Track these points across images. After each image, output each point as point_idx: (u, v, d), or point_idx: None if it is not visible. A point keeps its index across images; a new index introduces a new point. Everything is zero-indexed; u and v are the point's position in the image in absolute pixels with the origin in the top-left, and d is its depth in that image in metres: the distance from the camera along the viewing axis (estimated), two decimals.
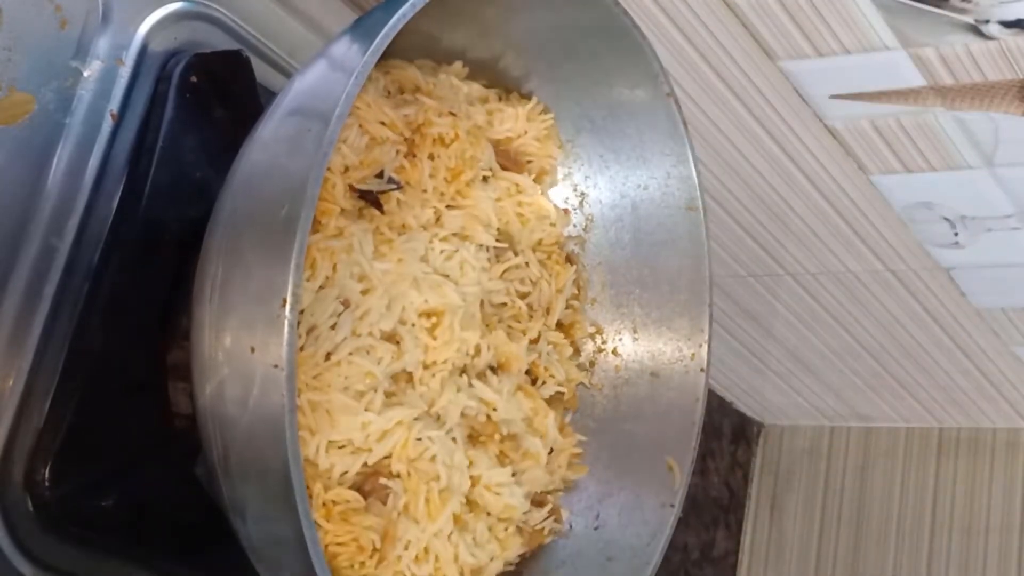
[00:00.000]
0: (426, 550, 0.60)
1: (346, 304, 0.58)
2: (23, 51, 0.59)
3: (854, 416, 1.58)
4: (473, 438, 0.65)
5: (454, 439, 0.63)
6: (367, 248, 0.59)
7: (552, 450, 0.69)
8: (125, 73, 0.64)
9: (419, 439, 0.60)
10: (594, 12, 0.66)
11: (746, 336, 1.36)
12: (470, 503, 0.64)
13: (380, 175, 0.61)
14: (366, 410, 0.58)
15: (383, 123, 0.62)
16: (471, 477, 0.63)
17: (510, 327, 0.69)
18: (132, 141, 0.63)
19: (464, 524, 0.63)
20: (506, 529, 0.65)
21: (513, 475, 0.66)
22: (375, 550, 0.58)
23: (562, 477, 0.71)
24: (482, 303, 0.67)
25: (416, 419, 0.60)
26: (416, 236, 0.62)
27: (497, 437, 0.65)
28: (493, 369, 0.66)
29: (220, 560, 0.63)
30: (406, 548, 0.59)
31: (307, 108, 0.55)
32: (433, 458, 0.61)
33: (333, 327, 0.58)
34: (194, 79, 0.65)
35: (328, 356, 0.58)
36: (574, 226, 0.76)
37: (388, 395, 0.60)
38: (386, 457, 0.59)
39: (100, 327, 0.60)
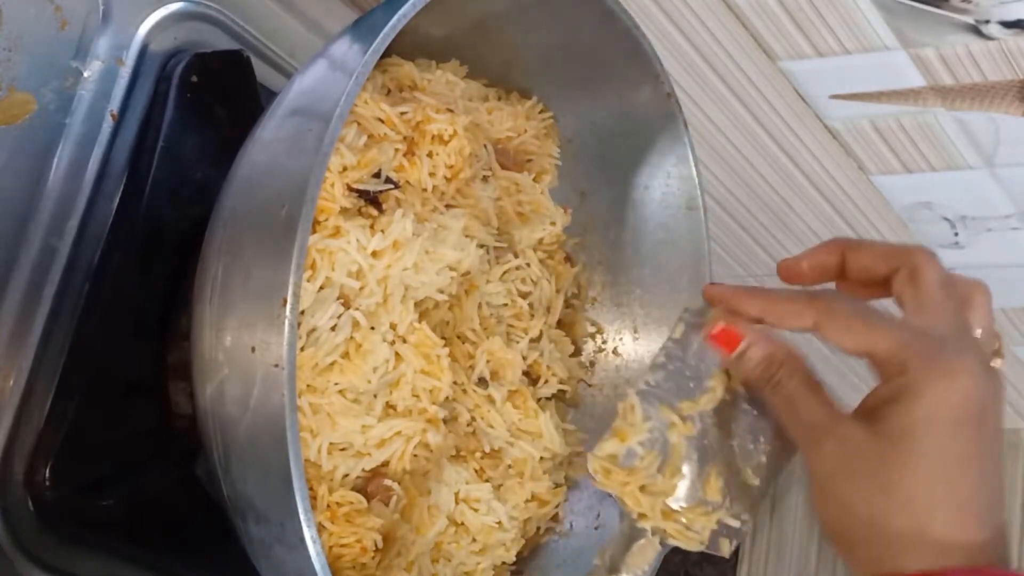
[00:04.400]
0: (412, 564, 0.60)
1: (346, 306, 0.58)
2: (23, 51, 0.59)
3: None
4: (454, 453, 0.65)
5: (451, 456, 0.64)
6: (365, 247, 0.59)
7: (542, 457, 0.69)
8: (125, 73, 0.64)
9: (415, 455, 0.60)
10: (594, 12, 0.66)
11: None
12: (454, 523, 0.64)
13: (378, 175, 0.61)
14: (366, 415, 0.58)
15: (381, 120, 0.62)
16: (454, 495, 0.63)
17: (511, 326, 0.69)
18: (132, 141, 0.63)
19: (448, 553, 0.63)
20: (479, 564, 0.65)
21: (499, 487, 0.66)
22: (377, 550, 0.58)
23: (564, 476, 0.71)
24: (481, 305, 0.67)
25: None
26: (416, 238, 0.62)
27: (478, 454, 0.65)
28: (484, 380, 0.66)
29: (220, 560, 0.63)
30: (399, 555, 0.59)
31: (307, 108, 0.55)
32: (426, 474, 0.61)
33: (333, 328, 0.58)
34: (194, 79, 0.65)
35: (328, 358, 0.58)
36: (574, 225, 0.76)
37: (389, 406, 0.60)
38: (384, 464, 0.60)
39: (100, 327, 0.60)
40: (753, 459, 0.61)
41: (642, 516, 0.61)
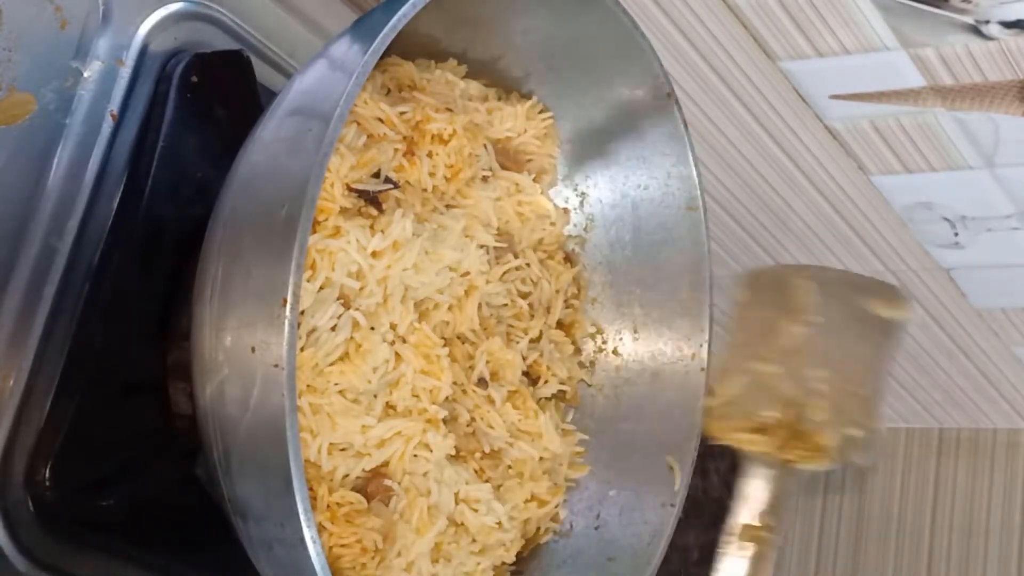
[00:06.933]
0: (411, 564, 0.60)
1: (346, 306, 0.58)
2: (23, 51, 0.59)
3: None
4: (454, 454, 0.65)
5: (451, 456, 0.64)
6: (365, 248, 0.59)
7: (542, 457, 0.69)
8: (125, 73, 0.64)
9: (415, 455, 0.60)
10: (594, 12, 0.66)
11: None
12: (453, 524, 0.64)
13: (377, 175, 0.61)
14: (366, 415, 0.58)
15: (381, 120, 0.62)
16: (454, 495, 0.63)
17: (511, 327, 0.69)
18: (132, 141, 0.63)
19: (448, 554, 0.63)
20: (479, 564, 0.65)
21: (498, 488, 0.66)
22: (377, 551, 0.58)
23: (564, 476, 0.71)
24: (481, 305, 0.67)
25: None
26: (415, 238, 0.62)
27: (478, 455, 0.65)
28: (483, 381, 0.66)
29: (220, 560, 0.63)
30: (399, 555, 0.59)
31: (307, 108, 0.55)
32: (426, 474, 0.61)
33: (333, 328, 0.58)
34: (194, 79, 0.65)
35: (328, 359, 0.58)
36: (574, 226, 0.76)
37: (389, 406, 0.60)
38: (384, 464, 0.60)
39: (100, 327, 0.60)
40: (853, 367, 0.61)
41: (764, 454, 0.61)
